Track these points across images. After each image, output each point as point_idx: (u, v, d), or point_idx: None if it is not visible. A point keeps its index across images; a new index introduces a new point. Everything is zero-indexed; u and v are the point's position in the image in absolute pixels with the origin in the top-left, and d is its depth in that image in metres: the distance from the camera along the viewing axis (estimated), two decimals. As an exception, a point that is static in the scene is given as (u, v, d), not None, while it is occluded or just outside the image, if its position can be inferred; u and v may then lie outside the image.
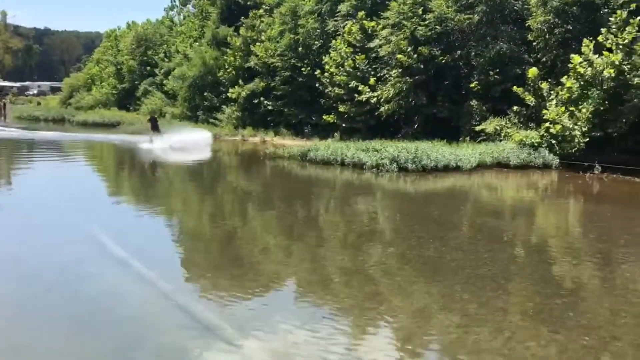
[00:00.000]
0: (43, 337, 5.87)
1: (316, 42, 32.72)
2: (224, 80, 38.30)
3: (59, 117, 54.58)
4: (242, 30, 37.57)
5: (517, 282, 7.89)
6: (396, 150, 19.91)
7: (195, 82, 40.21)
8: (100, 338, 5.83)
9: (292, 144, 28.20)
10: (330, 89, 30.00)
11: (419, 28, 25.73)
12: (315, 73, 30.99)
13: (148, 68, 53.13)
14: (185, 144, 27.12)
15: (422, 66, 25.64)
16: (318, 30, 32.87)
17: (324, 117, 30.43)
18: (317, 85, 31.33)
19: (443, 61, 25.49)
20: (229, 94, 36.65)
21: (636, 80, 19.35)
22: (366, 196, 16.05)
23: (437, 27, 25.51)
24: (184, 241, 10.63)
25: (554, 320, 6.26)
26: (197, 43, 44.47)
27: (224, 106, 37.64)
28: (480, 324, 6.19)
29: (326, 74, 30.20)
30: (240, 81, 36.13)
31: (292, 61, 32.79)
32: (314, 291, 7.39)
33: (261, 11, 37.91)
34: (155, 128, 28.74)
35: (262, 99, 34.22)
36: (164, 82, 47.38)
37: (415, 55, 25.46)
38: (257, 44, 35.39)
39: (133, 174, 21.30)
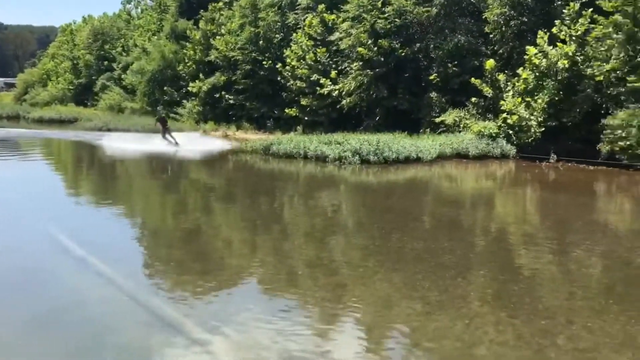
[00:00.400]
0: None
1: (277, 36, 32.64)
2: (184, 75, 37.90)
3: (13, 113, 53.07)
4: (201, 24, 37.18)
5: (477, 269, 8.07)
6: (358, 142, 20.07)
7: (155, 76, 39.67)
8: (60, 338, 5.74)
9: (254, 137, 28.12)
10: (292, 82, 29.98)
11: (379, 21, 25.94)
12: (277, 66, 30.92)
13: (105, 62, 52.17)
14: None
15: (382, 59, 25.87)
16: (279, 24, 32.81)
17: (286, 110, 30.41)
18: (278, 78, 31.26)
19: (403, 54, 25.76)
20: (189, 88, 36.30)
21: (589, 70, 19.93)
22: (329, 189, 16.13)
23: (397, 20, 25.77)
24: (145, 237, 10.50)
25: (512, 306, 6.44)
26: (155, 37, 43.87)
27: (184, 101, 37.26)
28: (441, 311, 6.32)
29: (287, 68, 30.17)
30: (200, 75, 35.82)
31: (253, 54, 32.64)
32: (279, 284, 7.41)
33: (221, 4, 37.57)
34: (166, 128, 26.20)
35: (223, 92, 33.99)
36: (122, 76, 46.63)
37: (376, 48, 25.67)
38: (217, 37, 35.09)
39: (92, 171, 20.91)
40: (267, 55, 32.15)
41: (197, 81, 35.64)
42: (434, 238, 9.92)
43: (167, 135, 25.87)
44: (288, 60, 30.13)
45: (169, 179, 18.72)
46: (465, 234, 10.38)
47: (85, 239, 9.46)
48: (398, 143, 20.29)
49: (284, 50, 30.92)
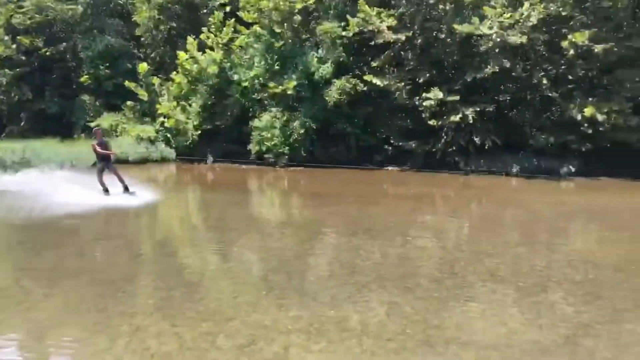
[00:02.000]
0: None
1: None
2: None
3: None
4: None
5: (139, 280, 7.84)
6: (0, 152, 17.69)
7: None
8: None
9: None
10: None
11: (16, 16, 23.36)
12: None
13: None
14: None
15: (23, 57, 23.42)
16: None
17: None
18: None
19: (47, 53, 23.75)
20: None
21: (236, 77, 21.48)
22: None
23: (37, 15, 23.57)
24: None
25: (174, 313, 6.41)
26: None
27: None
28: (99, 333, 5.91)
29: None
30: None
31: None
32: None
33: None
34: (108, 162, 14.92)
35: None
36: None
37: (15, 46, 23.06)
38: None
39: None
40: None
41: None
42: (92, 253, 9.31)
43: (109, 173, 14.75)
44: None
45: None
46: (129, 244, 10.01)
47: None
48: (50, 150, 18.59)
49: None
